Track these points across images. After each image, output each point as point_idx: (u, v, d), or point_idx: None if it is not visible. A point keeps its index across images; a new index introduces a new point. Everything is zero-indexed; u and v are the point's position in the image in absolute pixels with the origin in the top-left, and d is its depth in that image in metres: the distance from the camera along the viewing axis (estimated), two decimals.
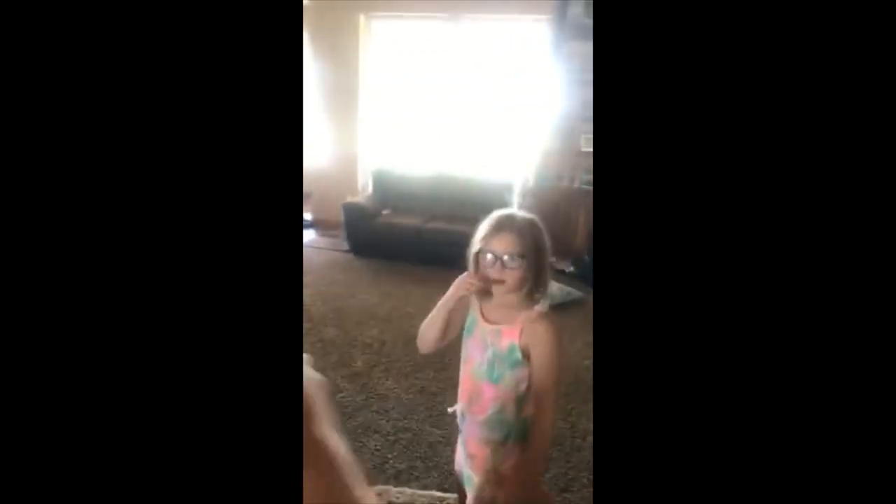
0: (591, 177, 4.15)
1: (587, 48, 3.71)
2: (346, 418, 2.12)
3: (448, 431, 1.99)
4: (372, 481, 1.77)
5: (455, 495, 1.64)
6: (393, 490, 1.73)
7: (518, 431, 1.11)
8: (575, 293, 3.54)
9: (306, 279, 3.67)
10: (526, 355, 1.06)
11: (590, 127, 4.08)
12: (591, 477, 1.80)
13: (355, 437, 2.00)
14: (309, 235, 4.86)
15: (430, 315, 1.15)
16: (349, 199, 4.47)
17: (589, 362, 2.65)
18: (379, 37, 4.81)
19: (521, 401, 1.09)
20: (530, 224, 1.10)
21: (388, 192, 4.61)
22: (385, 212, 4.46)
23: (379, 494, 1.71)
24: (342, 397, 2.26)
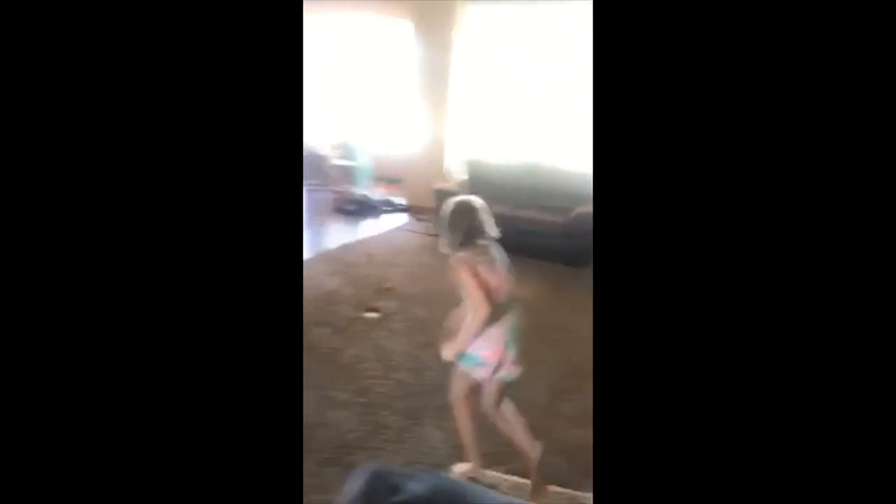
0: None
1: None
2: (436, 397, 2.20)
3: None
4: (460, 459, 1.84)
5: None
6: (481, 471, 1.79)
7: None
8: None
9: (398, 260, 3.81)
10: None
11: None
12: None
13: (444, 417, 2.08)
14: (402, 219, 5.03)
15: None
16: (440, 185, 4.56)
17: None
18: (474, 22, 4.82)
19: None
20: (446, 203, 1.66)
21: (480, 179, 4.65)
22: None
23: (470, 477, 1.77)
24: (430, 375, 2.36)
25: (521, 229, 4.08)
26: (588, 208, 4.07)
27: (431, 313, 3.00)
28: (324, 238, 4.24)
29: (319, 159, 5.30)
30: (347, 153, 5.36)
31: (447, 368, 2.43)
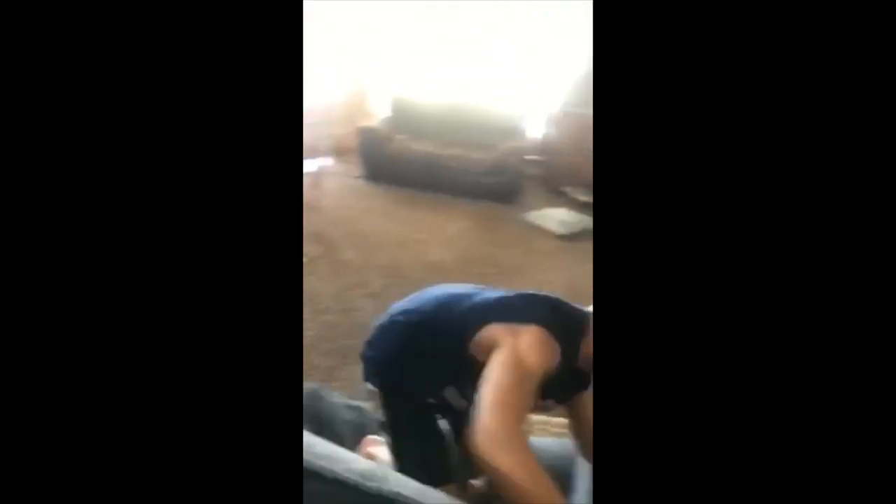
0: None
1: None
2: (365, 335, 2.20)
3: None
4: None
5: None
6: None
7: None
8: (588, 220, 3.54)
9: (322, 204, 3.69)
10: None
11: None
12: None
13: None
14: (327, 162, 4.84)
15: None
16: (364, 123, 4.39)
17: None
18: None
19: None
20: None
21: (404, 117, 4.52)
22: (399, 137, 4.40)
23: None
24: (359, 315, 2.34)
25: (448, 167, 4.04)
26: (514, 143, 4.09)
27: (359, 257, 2.96)
28: None
29: None
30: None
31: (376, 307, 2.44)
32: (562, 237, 3.36)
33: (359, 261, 2.90)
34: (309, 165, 4.50)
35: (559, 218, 3.47)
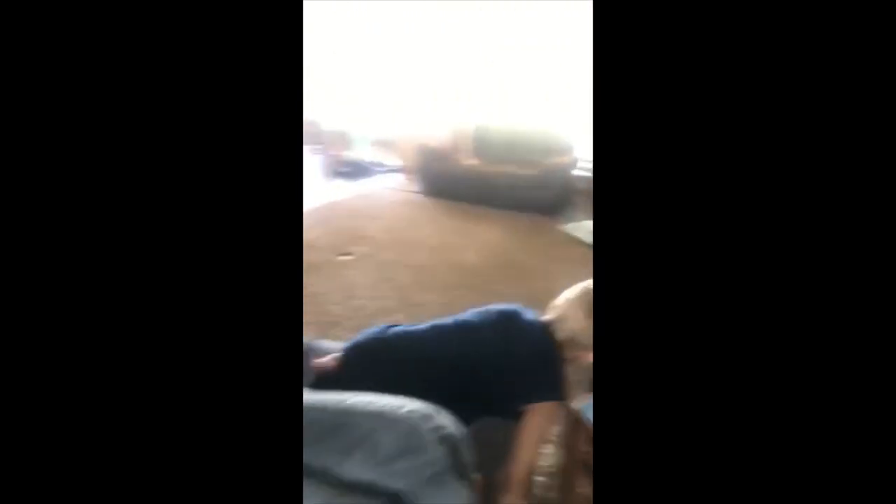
0: None
1: None
2: (386, 319, 2.54)
3: None
4: None
5: None
6: None
7: None
8: None
9: (377, 214, 4.13)
10: None
11: None
12: None
13: None
14: (395, 179, 5.34)
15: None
16: (424, 142, 4.82)
17: None
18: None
19: None
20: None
21: (461, 139, 4.89)
22: (454, 156, 4.75)
23: None
24: (382, 301, 2.71)
25: (496, 181, 4.35)
26: (559, 159, 4.31)
27: (395, 256, 3.34)
28: (313, 197, 4.55)
29: (316, 124, 5.62)
30: (344, 118, 5.66)
31: (401, 292, 2.75)
32: (591, 246, 3.50)
33: (394, 259, 3.28)
34: (370, 183, 5.00)
35: (591, 228, 3.63)
